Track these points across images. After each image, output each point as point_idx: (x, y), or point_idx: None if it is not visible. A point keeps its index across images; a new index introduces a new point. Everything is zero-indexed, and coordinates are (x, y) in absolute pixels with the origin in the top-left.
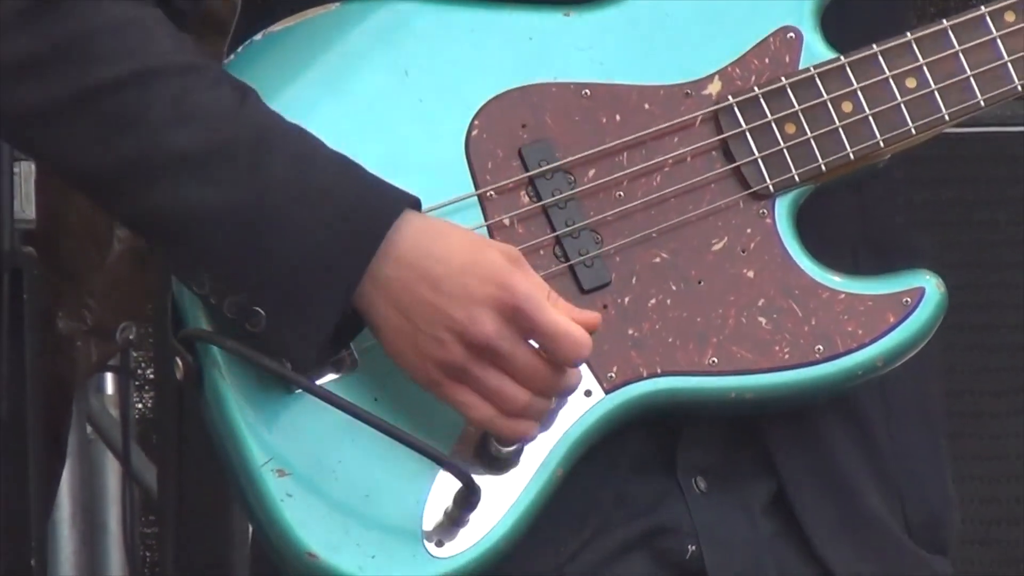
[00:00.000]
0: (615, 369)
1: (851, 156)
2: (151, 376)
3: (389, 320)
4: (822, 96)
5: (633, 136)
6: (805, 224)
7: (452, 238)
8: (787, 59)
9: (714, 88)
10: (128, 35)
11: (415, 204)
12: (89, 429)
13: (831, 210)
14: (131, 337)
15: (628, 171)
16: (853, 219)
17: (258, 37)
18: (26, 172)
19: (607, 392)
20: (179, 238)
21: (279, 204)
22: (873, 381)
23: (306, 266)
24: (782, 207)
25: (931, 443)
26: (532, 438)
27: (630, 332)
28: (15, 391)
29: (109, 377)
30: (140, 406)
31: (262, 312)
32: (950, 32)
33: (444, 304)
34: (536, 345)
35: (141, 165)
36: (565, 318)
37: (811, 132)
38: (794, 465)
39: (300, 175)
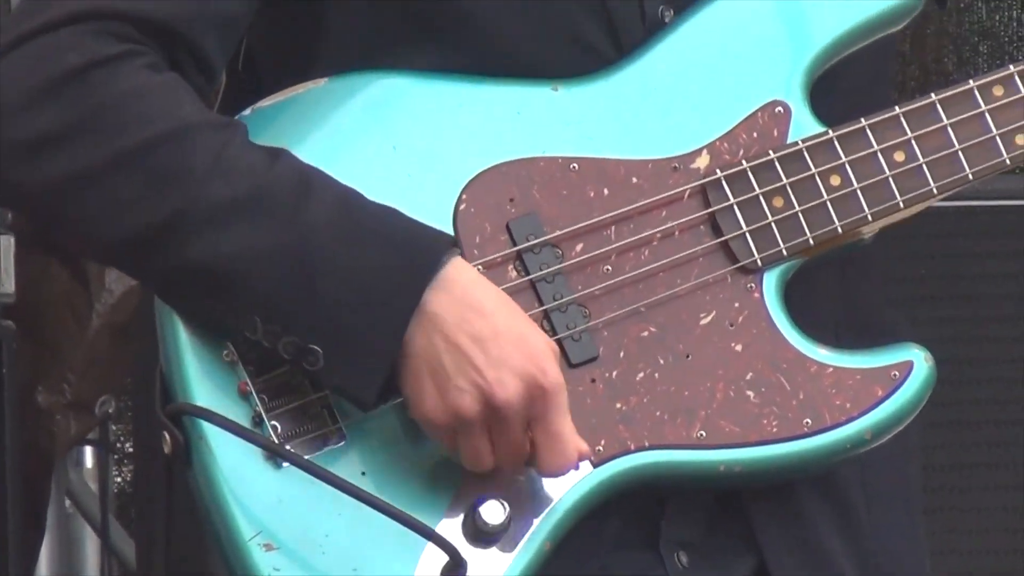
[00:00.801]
0: (603, 443)
1: (839, 230)
2: (130, 450)
3: (423, 352)
4: (810, 170)
5: (621, 210)
6: (789, 300)
7: (504, 305)
8: (775, 133)
9: (702, 162)
10: (158, 98)
11: (458, 246)
12: (68, 503)
13: (814, 288)
14: (110, 411)
15: (616, 245)
16: (833, 296)
17: (247, 112)
18: (5, 245)
19: (595, 466)
20: (228, 285)
21: (327, 243)
22: (853, 458)
23: (360, 301)
24: (770, 281)
25: (909, 520)
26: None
27: (618, 406)
28: None
29: (88, 451)
30: (119, 480)
31: (319, 350)
32: (939, 106)
33: (481, 360)
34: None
35: (185, 217)
36: (572, 432)
37: (799, 206)
38: (776, 542)
39: (345, 214)
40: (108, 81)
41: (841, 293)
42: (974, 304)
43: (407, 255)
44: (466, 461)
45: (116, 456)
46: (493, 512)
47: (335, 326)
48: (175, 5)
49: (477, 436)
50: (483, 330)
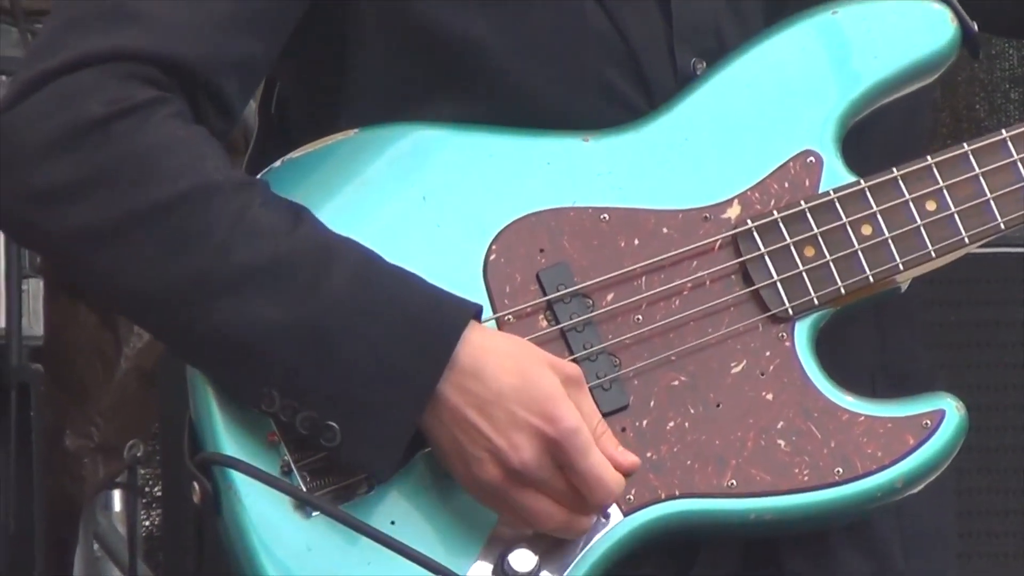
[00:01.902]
0: (633, 492)
1: (870, 279)
2: (158, 494)
3: (439, 434)
4: (841, 219)
5: (651, 260)
6: (823, 350)
7: (507, 357)
8: (807, 183)
9: (733, 212)
10: (181, 153)
11: (478, 313)
12: (96, 546)
13: (849, 337)
14: (138, 455)
15: (646, 295)
16: (871, 346)
17: (277, 164)
18: (35, 289)
19: (626, 515)
20: (245, 356)
21: (344, 318)
22: (889, 504)
23: (377, 378)
24: (801, 330)
25: (945, 567)
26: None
27: (648, 455)
28: (23, 507)
29: (116, 494)
30: (147, 523)
31: (336, 426)
32: (971, 156)
33: (487, 428)
34: None
35: (204, 281)
36: (603, 461)
37: (830, 255)
38: None
39: (363, 287)
40: (130, 133)
41: (877, 342)
42: (1002, 351)
43: (424, 334)
44: (536, 525)
45: (144, 500)
46: (523, 560)
47: (352, 403)
48: (197, 46)
49: (522, 496)
50: (486, 395)
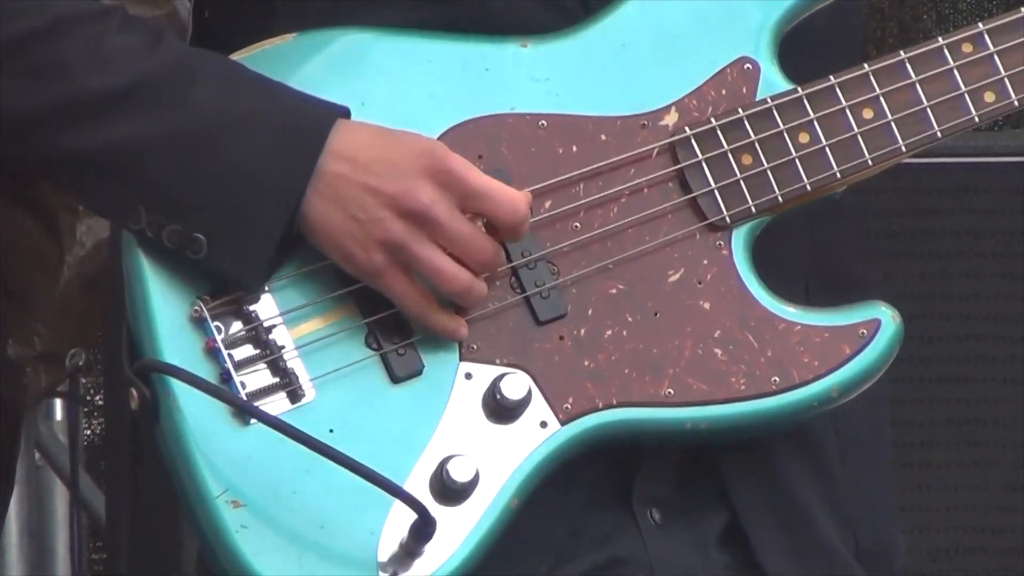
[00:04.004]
0: (571, 400)
1: (808, 187)
2: (100, 403)
3: (328, 219)
4: (779, 127)
5: (589, 167)
6: (756, 257)
7: (375, 129)
8: (744, 90)
9: (671, 119)
10: None
11: (345, 114)
12: (37, 455)
13: (782, 243)
14: (80, 363)
15: (584, 202)
16: (804, 252)
17: None
18: None
19: (563, 423)
20: (111, 175)
21: (211, 129)
22: (826, 411)
23: (245, 186)
24: (738, 239)
25: (881, 473)
26: (462, 337)
27: (586, 363)
28: None
29: (58, 403)
30: (89, 432)
31: (202, 238)
32: (907, 63)
33: (377, 183)
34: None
35: (67, 110)
36: (498, 182)
37: (768, 163)
38: (748, 496)
39: (228, 98)
40: None
41: (811, 248)
42: (945, 260)
43: (292, 134)
44: (443, 285)
45: (86, 409)
46: (462, 469)
47: (219, 210)
48: None
49: (427, 251)
50: (365, 157)
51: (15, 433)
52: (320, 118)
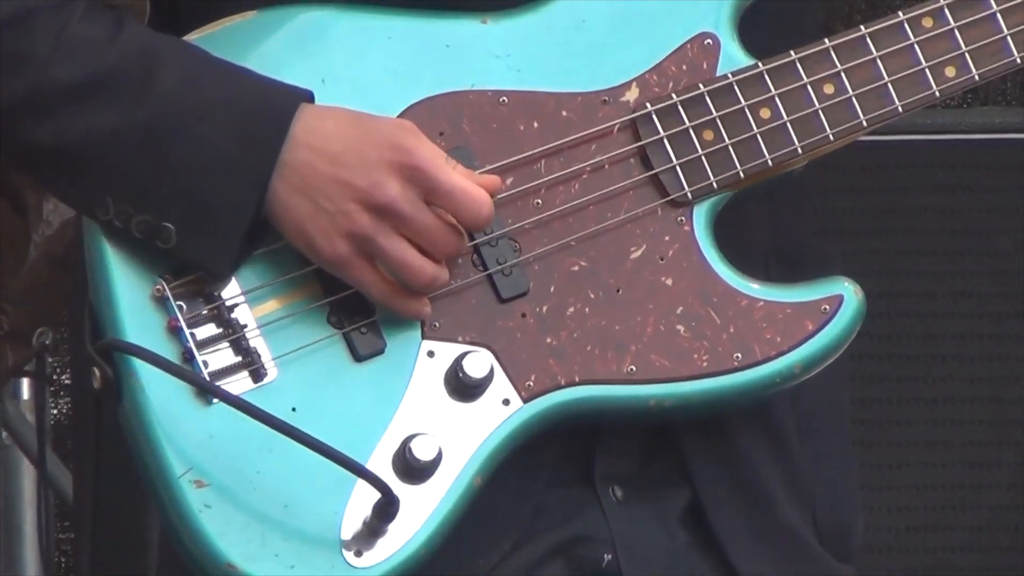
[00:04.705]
0: (533, 378)
1: (769, 163)
2: (67, 382)
3: (294, 208)
4: (740, 103)
5: (551, 144)
6: (718, 233)
7: (342, 117)
8: (705, 66)
9: (632, 95)
10: None
11: (309, 98)
12: (4, 434)
13: (742, 218)
14: (47, 342)
15: (546, 179)
16: (763, 228)
17: None
18: None
19: (525, 401)
20: (78, 166)
21: (175, 118)
22: (786, 389)
23: (211, 174)
24: (700, 215)
25: (840, 450)
26: (426, 318)
27: (548, 341)
28: None
29: (25, 382)
30: (56, 412)
31: (171, 227)
32: (868, 39)
33: (346, 175)
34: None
35: (31, 102)
36: (464, 178)
37: (729, 139)
38: (709, 474)
39: (191, 87)
40: None
41: (771, 225)
42: (908, 237)
43: (256, 120)
44: (408, 278)
45: (53, 388)
46: (424, 447)
47: (187, 199)
48: None
49: (392, 244)
50: (334, 148)
51: None
52: (283, 104)
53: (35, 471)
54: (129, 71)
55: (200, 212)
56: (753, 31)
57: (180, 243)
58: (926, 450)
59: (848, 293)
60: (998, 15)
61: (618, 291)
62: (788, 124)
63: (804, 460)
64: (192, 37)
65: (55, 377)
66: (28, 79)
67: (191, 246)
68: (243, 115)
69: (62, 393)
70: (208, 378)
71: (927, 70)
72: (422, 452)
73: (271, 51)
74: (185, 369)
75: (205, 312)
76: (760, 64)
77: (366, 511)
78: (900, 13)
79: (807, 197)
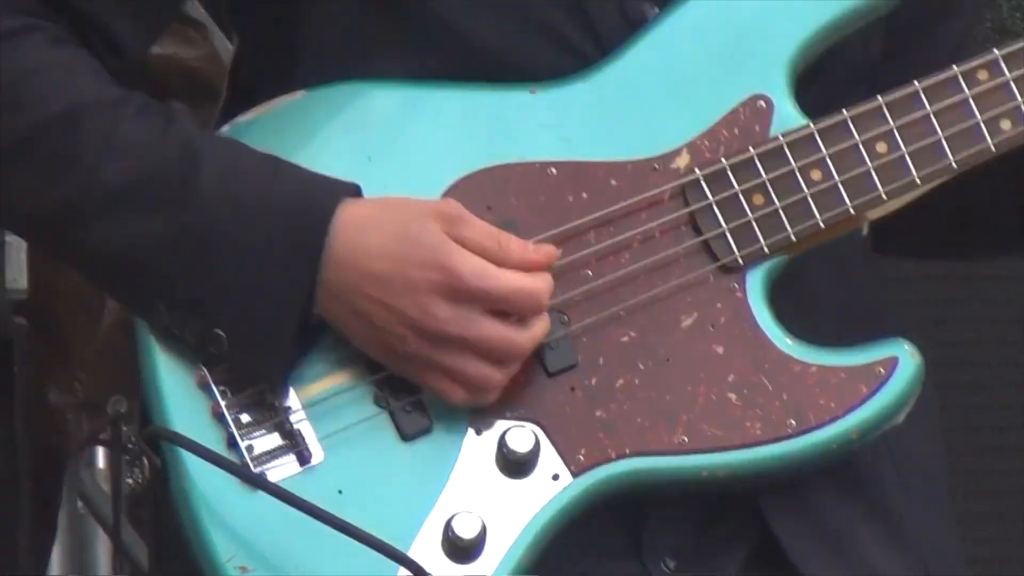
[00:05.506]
0: (583, 452)
1: (821, 224)
2: None
3: (349, 323)
4: (790, 165)
5: (600, 213)
6: (788, 296)
7: (386, 226)
8: (757, 128)
9: (682, 161)
10: (52, 76)
11: (353, 191)
12: (79, 503)
13: (814, 282)
14: (122, 411)
15: (595, 249)
16: (836, 291)
17: (226, 128)
18: (18, 242)
19: (575, 475)
20: (128, 273)
21: (215, 222)
22: (881, 444)
23: (255, 280)
24: (754, 280)
25: (943, 501)
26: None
27: (598, 414)
28: (5, 464)
29: (100, 451)
30: (131, 481)
31: (222, 334)
32: (922, 94)
33: (395, 303)
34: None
35: (79, 206)
36: (514, 276)
37: (779, 202)
38: (790, 532)
39: (230, 187)
40: (3, 61)
41: (842, 288)
42: (979, 305)
43: (296, 226)
44: (472, 391)
45: (128, 457)
46: (466, 525)
47: (234, 308)
48: None
49: (451, 361)
50: (377, 268)
51: (57, 481)
52: (323, 199)
53: (110, 541)
54: (171, 174)
55: (248, 320)
56: (816, 88)
57: (232, 350)
58: (995, 522)
59: (904, 355)
60: None
61: (668, 360)
62: (839, 184)
63: (908, 514)
64: (243, 119)
65: (130, 446)
66: (76, 182)
67: (242, 354)
68: (282, 215)
69: (137, 462)
70: (252, 463)
71: (982, 124)
72: (464, 530)
73: (318, 130)
74: (226, 459)
75: (248, 396)
76: (812, 124)
77: None
78: (954, 66)
79: (878, 259)
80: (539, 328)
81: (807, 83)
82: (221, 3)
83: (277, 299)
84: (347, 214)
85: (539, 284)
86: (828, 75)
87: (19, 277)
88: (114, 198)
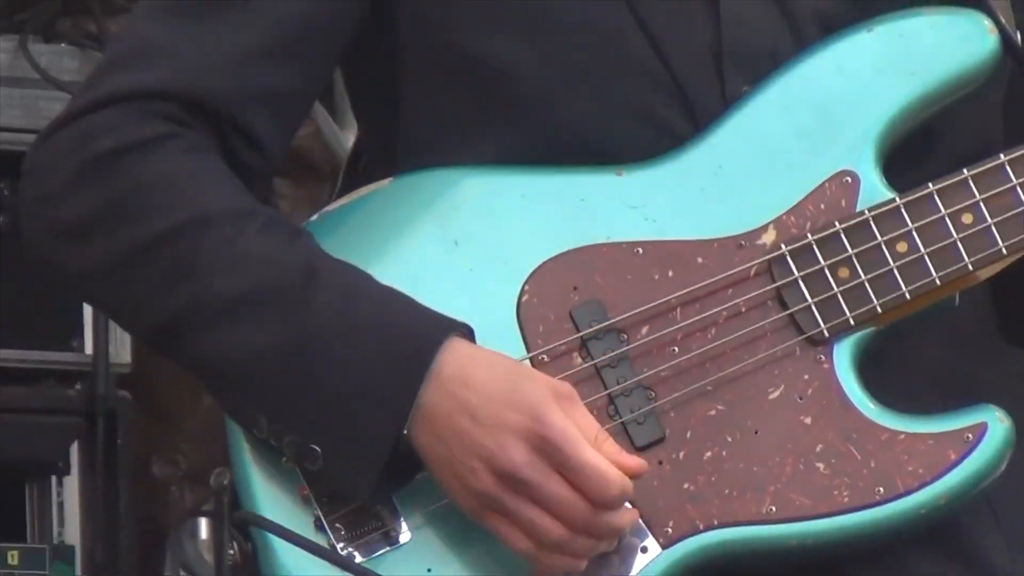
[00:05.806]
0: (671, 524)
1: (907, 296)
2: None
3: (431, 449)
4: (876, 239)
5: (686, 290)
6: (890, 365)
7: (496, 368)
8: (843, 203)
9: (768, 237)
10: (179, 185)
11: (465, 331)
12: (183, 574)
13: (915, 351)
14: (225, 482)
15: (681, 325)
16: (938, 359)
17: (314, 218)
18: None
19: (664, 547)
20: (233, 383)
21: (326, 339)
22: (982, 505)
23: (356, 400)
24: (842, 351)
25: None
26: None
27: (686, 486)
28: (110, 535)
29: (203, 522)
30: (233, 552)
31: (318, 450)
32: (1007, 167)
33: (477, 433)
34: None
35: (193, 312)
36: (598, 457)
37: (865, 275)
38: None
39: (346, 309)
40: (134, 168)
41: (943, 355)
42: None
43: (402, 352)
44: (539, 541)
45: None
46: None
47: (332, 426)
48: (218, 80)
49: (516, 506)
50: (473, 400)
51: (160, 552)
52: (432, 329)
53: None
54: (287, 289)
55: (344, 438)
56: (929, 161)
57: (326, 466)
58: None
59: (993, 420)
60: None
61: (756, 432)
62: (925, 256)
63: (1014, 570)
64: (331, 208)
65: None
66: (193, 289)
67: (336, 470)
68: (392, 340)
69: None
70: (341, 543)
71: None
72: None
73: (405, 217)
74: (313, 543)
75: None
76: (898, 198)
77: None
78: None
79: (983, 331)
80: (618, 518)
81: (916, 165)
82: (334, 94)
83: (373, 417)
84: (459, 345)
85: (617, 476)
86: (943, 145)
87: (122, 351)
88: (228, 308)
